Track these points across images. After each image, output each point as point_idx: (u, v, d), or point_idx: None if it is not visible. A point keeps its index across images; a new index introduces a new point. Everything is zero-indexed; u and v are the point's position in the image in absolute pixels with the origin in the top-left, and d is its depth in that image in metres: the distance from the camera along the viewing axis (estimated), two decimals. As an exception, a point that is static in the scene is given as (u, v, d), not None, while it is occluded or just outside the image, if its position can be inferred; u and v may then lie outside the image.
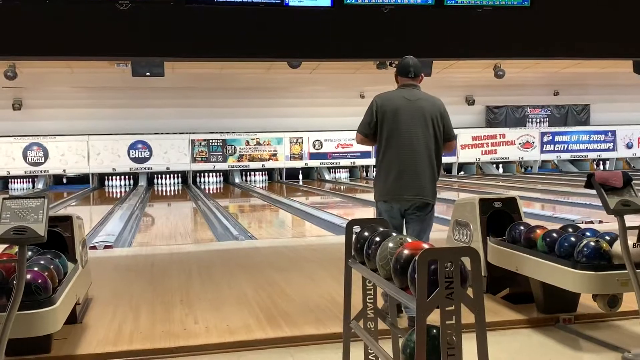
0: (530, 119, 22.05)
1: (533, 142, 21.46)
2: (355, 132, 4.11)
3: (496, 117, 21.77)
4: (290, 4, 5.42)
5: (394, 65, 15.86)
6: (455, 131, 19.10)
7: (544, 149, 21.59)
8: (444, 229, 5.79)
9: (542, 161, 21.77)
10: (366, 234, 2.96)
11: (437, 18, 5.50)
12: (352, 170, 21.03)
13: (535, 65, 17.63)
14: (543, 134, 21.62)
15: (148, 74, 14.62)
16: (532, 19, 5.65)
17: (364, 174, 20.97)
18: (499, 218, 4.64)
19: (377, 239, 2.80)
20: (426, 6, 5.35)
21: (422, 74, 4.17)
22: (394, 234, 2.77)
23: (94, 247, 7.18)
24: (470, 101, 21.27)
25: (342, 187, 18.57)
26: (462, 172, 21.11)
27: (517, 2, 5.44)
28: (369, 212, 11.82)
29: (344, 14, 5.50)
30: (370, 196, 15.86)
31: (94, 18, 5.23)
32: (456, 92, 20.94)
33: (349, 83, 19.01)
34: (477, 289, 2.11)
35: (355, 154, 20.20)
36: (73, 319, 3.94)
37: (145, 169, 19.09)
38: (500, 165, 21.63)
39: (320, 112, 19.77)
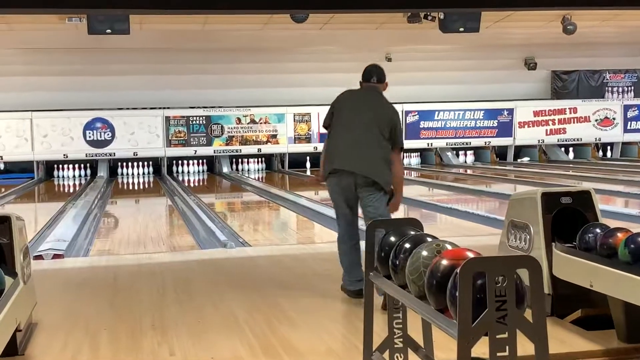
0: (609, 88, 21.89)
1: (614, 119, 21.34)
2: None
3: (565, 85, 21.63)
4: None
5: (430, 17, 15.89)
6: (512, 104, 19.28)
7: (628, 127, 21.46)
8: (496, 232, 5.77)
9: (626, 143, 21.65)
10: (392, 239, 2.96)
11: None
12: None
13: (617, 16, 17.50)
14: (627, 108, 21.48)
15: (109, 31, 14.69)
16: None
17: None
18: (568, 218, 4.63)
19: (407, 245, 2.80)
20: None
21: (387, 82, 5.56)
22: (430, 239, 2.76)
23: (39, 257, 7.22)
24: (530, 65, 21.16)
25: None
26: (527, 159, 21.02)
27: None
28: (399, 211, 11.80)
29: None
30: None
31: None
32: (512, 52, 20.85)
33: (371, 42, 18.95)
34: (537, 310, 2.11)
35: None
36: (12, 349, 3.96)
37: (106, 155, 19.16)
38: (571, 149, 21.53)
39: (333, 80, 19.69)
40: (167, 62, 19.28)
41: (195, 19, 15.77)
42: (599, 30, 18.91)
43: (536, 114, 20.96)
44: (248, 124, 19.77)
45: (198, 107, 19.66)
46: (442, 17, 15.32)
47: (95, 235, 9.63)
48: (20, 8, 5.72)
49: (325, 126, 5.54)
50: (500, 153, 21.18)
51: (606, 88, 21.87)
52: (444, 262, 2.41)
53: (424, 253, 2.60)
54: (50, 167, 19.27)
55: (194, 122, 19.52)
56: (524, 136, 20.96)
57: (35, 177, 18.66)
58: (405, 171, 19.67)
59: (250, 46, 18.81)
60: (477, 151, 21.31)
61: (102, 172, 19.03)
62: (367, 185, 5.16)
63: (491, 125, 20.79)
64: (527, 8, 6.58)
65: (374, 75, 5.55)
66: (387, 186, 5.23)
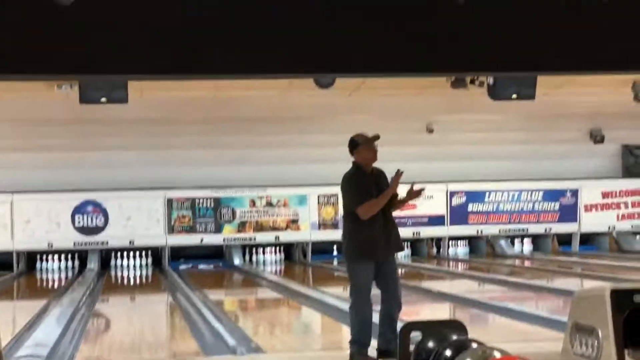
0: (692, 165, 21.79)
1: (698, 201, 21.18)
2: None
3: (638, 162, 21.55)
4: (317, -9, 5.51)
5: (477, 82, 16.07)
6: (576, 184, 19.21)
7: None
8: (560, 337, 5.70)
9: None
10: (431, 344, 2.94)
11: (537, 10, 5.54)
12: (415, 245, 20.90)
13: (699, 81, 17.55)
14: None
15: (104, 99, 14.94)
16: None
17: (435, 250, 20.83)
18: (644, 320, 4.57)
19: (448, 352, 2.78)
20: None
21: (356, 151, 7.05)
22: (475, 345, 2.75)
23: (16, 365, 7.22)
24: (597, 138, 21.15)
25: (400, 270, 18.36)
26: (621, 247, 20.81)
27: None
28: (442, 310, 11.72)
29: (397, 2, 5.58)
30: (445, 285, 15.75)
31: (23, 16, 5.38)
32: (576, 123, 20.87)
33: (409, 110, 19.12)
34: None
35: (421, 220, 20.15)
36: None
37: (97, 243, 19.23)
38: (648, 237, 21.34)
39: (365, 156, 19.83)
40: (171, 135, 19.46)
41: (204, 84, 16.03)
42: (678, 96, 18.93)
43: (605, 195, 20.84)
44: (264, 207, 19.81)
45: (206, 188, 19.77)
46: (491, 82, 15.47)
47: (82, 338, 9.60)
48: (4, 74, 5.85)
49: None
50: (565, 241, 20.98)
51: (688, 165, 21.78)
52: (492, 372, 2.39)
53: (469, 361, 2.58)
54: (32, 258, 19.30)
55: (201, 205, 19.61)
56: (591, 221, 20.77)
57: (14, 270, 18.65)
58: (451, 262, 19.65)
59: (267, 116, 19.01)
60: (536, 239, 21.14)
61: (93, 264, 19.05)
62: None
63: (552, 208, 20.68)
64: (593, 72, 6.63)
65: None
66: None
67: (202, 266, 19.66)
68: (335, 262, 19.66)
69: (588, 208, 20.74)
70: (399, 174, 6.93)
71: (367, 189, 6.83)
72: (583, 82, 16.69)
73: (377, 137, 7.00)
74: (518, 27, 5.72)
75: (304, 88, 15.74)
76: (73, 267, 19.24)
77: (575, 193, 20.67)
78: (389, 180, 7.04)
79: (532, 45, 5.75)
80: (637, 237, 21.16)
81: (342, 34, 5.75)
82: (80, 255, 19.44)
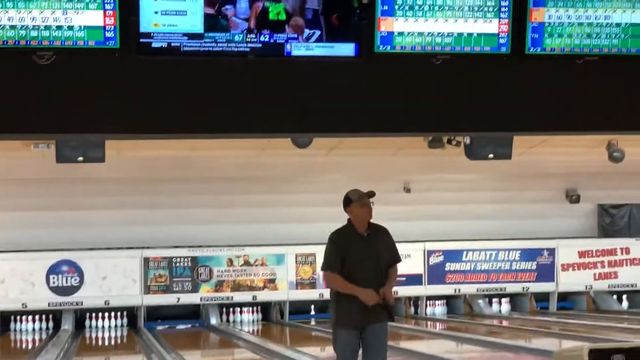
0: (668, 224, 21.89)
1: (674, 260, 21.24)
2: None
3: (614, 221, 21.63)
4: (294, 53, 5.57)
5: (454, 142, 16.17)
6: (553, 243, 19.19)
7: (693, 271, 21.32)
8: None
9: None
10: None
11: (514, 72, 5.61)
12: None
13: (672, 141, 17.73)
14: (689, 247, 21.41)
15: (81, 158, 14.91)
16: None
17: (412, 310, 20.74)
18: (623, 380, 4.55)
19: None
20: (497, 55, 5.48)
21: (348, 209, 7.29)
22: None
23: None
24: (573, 197, 21.25)
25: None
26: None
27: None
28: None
29: (374, 66, 5.64)
30: (423, 345, 15.70)
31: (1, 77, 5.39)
32: (551, 183, 20.99)
33: (386, 169, 19.15)
34: None
35: (399, 280, 19.96)
36: None
37: (72, 304, 19.02)
38: (624, 297, 21.31)
39: (342, 215, 19.81)
40: (148, 194, 19.41)
41: (181, 144, 16.02)
42: (652, 157, 19.10)
43: (582, 254, 20.84)
44: (241, 266, 19.70)
45: (182, 247, 19.65)
46: (468, 142, 15.58)
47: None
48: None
49: None
50: (541, 299, 20.95)
51: (664, 224, 21.88)
52: None
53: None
54: (5, 318, 19.05)
55: (178, 264, 19.47)
56: (568, 281, 20.73)
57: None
58: (429, 322, 19.55)
59: (245, 175, 19.00)
60: (514, 298, 21.11)
61: (67, 325, 18.80)
62: None
63: (529, 267, 20.66)
64: (568, 132, 6.71)
65: None
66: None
67: (180, 326, 19.49)
68: (313, 322, 19.55)
69: (565, 267, 20.73)
70: (386, 291, 6.87)
71: (341, 252, 6.82)
72: (558, 142, 16.83)
73: (372, 194, 6.87)
74: (495, 88, 5.78)
75: (282, 147, 15.75)
76: (47, 328, 19.01)
77: (552, 252, 20.68)
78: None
79: (508, 105, 5.81)
80: (614, 296, 21.19)
81: (317, 95, 5.80)
82: (55, 316, 19.22)
